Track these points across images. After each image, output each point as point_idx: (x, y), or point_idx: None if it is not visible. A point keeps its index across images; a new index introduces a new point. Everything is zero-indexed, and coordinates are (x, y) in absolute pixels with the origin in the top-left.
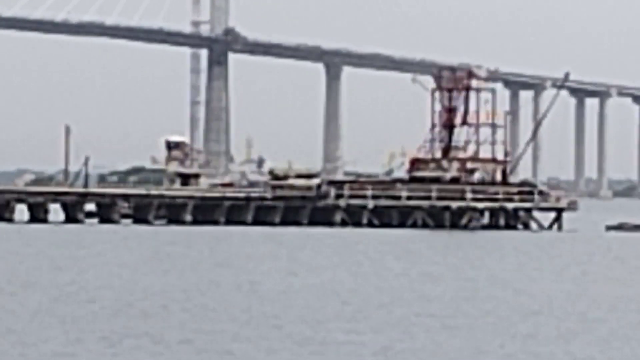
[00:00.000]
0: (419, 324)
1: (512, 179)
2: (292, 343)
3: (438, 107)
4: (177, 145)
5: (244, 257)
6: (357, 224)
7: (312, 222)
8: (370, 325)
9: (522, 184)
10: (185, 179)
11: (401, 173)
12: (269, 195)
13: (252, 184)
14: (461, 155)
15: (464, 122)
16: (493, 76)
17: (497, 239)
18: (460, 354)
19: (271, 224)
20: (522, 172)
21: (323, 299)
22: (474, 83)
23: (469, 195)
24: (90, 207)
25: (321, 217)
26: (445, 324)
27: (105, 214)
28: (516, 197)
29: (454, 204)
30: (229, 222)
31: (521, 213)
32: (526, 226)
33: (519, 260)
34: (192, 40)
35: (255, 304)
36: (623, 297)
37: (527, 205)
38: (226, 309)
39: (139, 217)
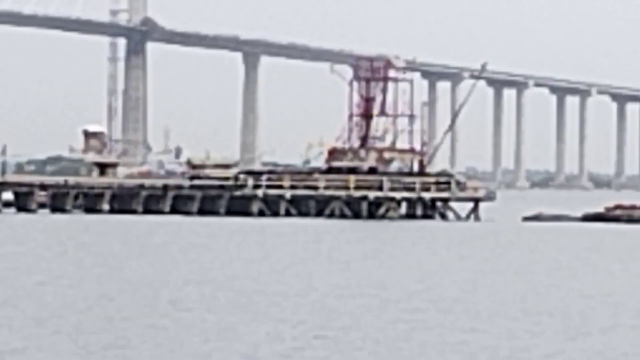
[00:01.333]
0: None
1: (430, 169)
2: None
3: (356, 97)
4: (94, 135)
5: (147, 246)
6: (275, 214)
7: (230, 212)
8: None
9: (440, 174)
10: (103, 168)
11: (319, 163)
12: (186, 184)
13: (170, 174)
14: (379, 145)
15: (382, 112)
16: (411, 66)
17: (413, 229)
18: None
19: (189, 213)
20: (440, 163)
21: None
22: (392, 73)
23: (386, 185)
24: (7, 196)
25: (239, 207)
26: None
27: (22, 203)
28: (433, 187)
29: (372, 194)
30: (146, 211)
31: (438, 203)
32: (443, 216)
33: (431, 250)
34: (110, 29)
35: (149, 293)
36: (523, 286)
37: (445, 195)
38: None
39: (57, 206)
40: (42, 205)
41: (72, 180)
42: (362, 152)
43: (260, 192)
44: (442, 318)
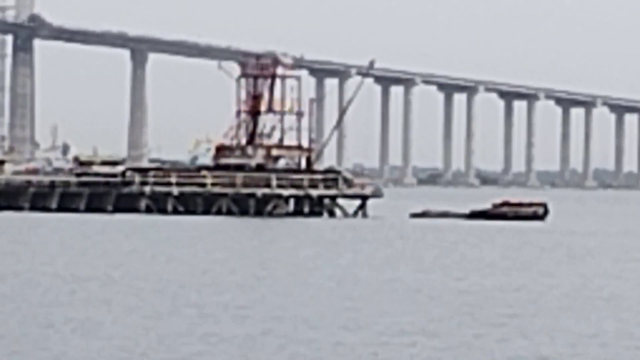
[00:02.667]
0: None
1: (317, 166)
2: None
3: (243, 94)
4: None
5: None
6: (162, 210)
7: (117, 209)
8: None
9: (327, 171)
10: None
11: (207, 160)
12: (73, 181)
13: (57, 171)
14: (266, 142)
15: (270, 110)
16: (298, 64)
17: (300, 226)
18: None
19: (76, 210)
20: (327, 160)
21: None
22: (280, 70)
23: (274, 183)
24: None
25: (126, 204)
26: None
27: None
28: (321, 184)
29: (259, 191)
30: (33, 208)
31: (326, 200)
32: (331, 213)
33: (315, 246)
34: None
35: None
36: (392, 280)
37: (332, 192)
38: None
39: None
40: None
41: None
42: (250, 149)
43: (147, 189)
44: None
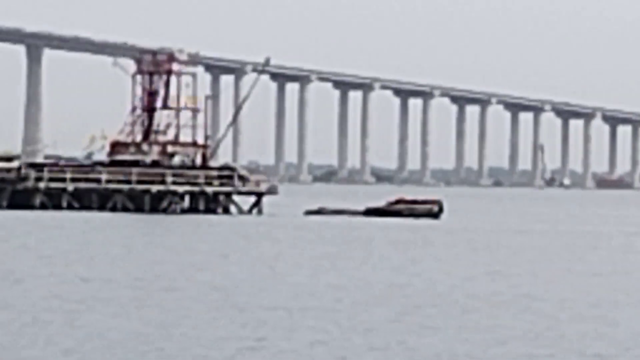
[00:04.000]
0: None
1: (213, 163)
2: None
3: (139, 90)
4: None
5: None
6: (57, 207)
7: (12, 205)
8: None
9: (223, 168)
10: None
11: (102, 156)
12: None
13: None
14: (162, 138)
15: (165, 106)
16: (194, 60)
17: (194, 223)
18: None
19: None
20: (223, 156)
21: None
22: (175, 67)
23: (169, 179)
24: None
25: (21, 200)
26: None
27: None
28: (216, 181)
29: (154, 188)
30: None
31: (221, 197)
32: (226, 210)
33: (208, 244)
34: None
35: None
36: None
37: (227, 189)
38: None
39: None
40: None
41: None
42: (145, 146)
43: (42, 185)
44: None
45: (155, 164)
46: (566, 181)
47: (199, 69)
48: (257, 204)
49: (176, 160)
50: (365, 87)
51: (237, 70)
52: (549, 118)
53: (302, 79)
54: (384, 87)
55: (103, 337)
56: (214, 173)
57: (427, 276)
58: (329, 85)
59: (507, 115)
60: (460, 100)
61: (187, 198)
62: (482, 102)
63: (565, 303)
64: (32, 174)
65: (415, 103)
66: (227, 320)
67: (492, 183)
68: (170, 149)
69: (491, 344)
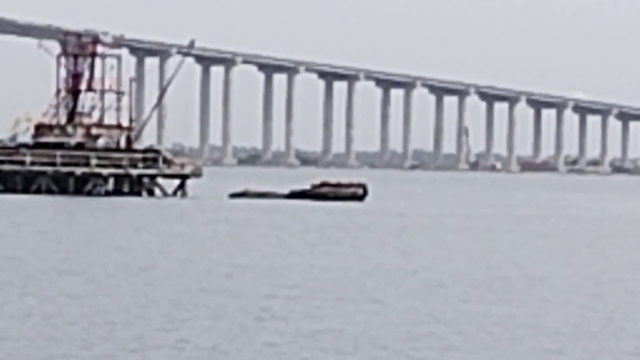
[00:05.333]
0: None
1: (137, 145)
2: None
3: (63, 72)
4: None
5: None
6: None
7: None
8: None
9: (147, 150)
10: None
11: (26, 138)
12: None
13: None
14: (86, 121)
15: (89, 88)
16: (118, 42)
17: (117, 205)
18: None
19: None
20: (147, 139)
21: None
22: (100, 49)
23: (93, 162)
24: None
25: None
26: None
27: None
28: (141, 163)
29: (78, 170)
30: None
31: (145, 180)
32: (150, 193)
33: (128, 224)
34: None
35: None
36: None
37: (152, 172)
38: None
39: None
40: None
41: None
42: (70, 128)
43: None
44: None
45: (79, 146)
46: (498, 165)
47: (124, 52)
48: (181, 186)
49: (100, 142)
50: (290, 70)
51: (161, 52)
52: (473, 101)
53: (227, 62)
54: (308, 70)
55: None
56: (139, 155)
57: (337, 259)
58: (254, 68)
59: (432, 98)
60: (385, 83)
61: (111, 180)
62: (407, 85)
63: (457, 277)
64: None
65: (340, 86)
66: (134, 301)
67: (416, 166)
68: (94, 131)
69: (387, 324)
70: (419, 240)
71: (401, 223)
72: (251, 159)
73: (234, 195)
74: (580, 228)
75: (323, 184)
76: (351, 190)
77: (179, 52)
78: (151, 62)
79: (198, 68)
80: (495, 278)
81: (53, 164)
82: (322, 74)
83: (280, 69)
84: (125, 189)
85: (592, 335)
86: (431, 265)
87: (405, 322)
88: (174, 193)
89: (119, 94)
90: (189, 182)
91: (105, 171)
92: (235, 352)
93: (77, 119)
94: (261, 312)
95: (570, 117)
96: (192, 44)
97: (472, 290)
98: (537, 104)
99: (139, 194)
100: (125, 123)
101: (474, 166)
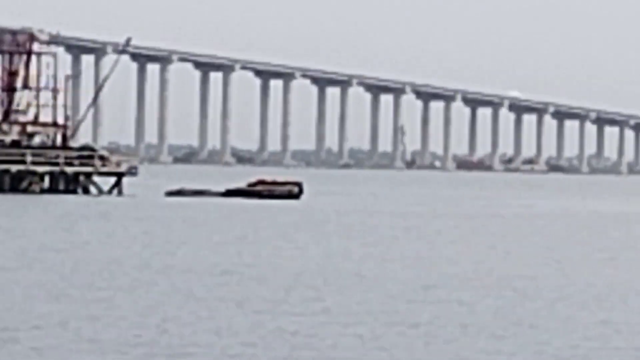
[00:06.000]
0: None
1: (73, 143)
2: None
3: None
4: None
5: None
6: None
7: None
8: None
9: (83, 148)
10: None
11: None
12: None
13: None
14: (22, 119)
15: (25, 86)
16: (54, 40)
17: (53, 203)
18: None
19: None
20: (83, 137)
21: None
22: (35, 47)
23: (29, 159)
24: None
25: None
26: None
27: None
28: (76, 161)
29: (14, 168)
30: None
31: (81, 177)
32: (86, 190)
33: (61, 222)
34: None
35: None
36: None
37: (87, 169)
38: None
39: None
40: None
41: None
42: (5, 126)
43: None
44: None
45: (15, 144)
46: (437, 163)
47: (60, 49)
48: (117, 184)
49: (36, 140)
50: (226, 68)
51: (97, 50)
52: (409, 100)
53: (163, 60)
54: (244, 68)
55: None
56: (74, 153)
57: (269, 257)
58: (190, 66)
59: (368, 96)
60: (321, 81)
61: (47, 178)
62: (343, 83)
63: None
64: None
65: (276, 84)
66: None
67: (353, 164)
68: (30, 129)
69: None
70: (354, 238)
71: (336, 221)
72: (187, 157)
73: (170, 194)
74: (501, 225)
75: (259, 182)
76: (287, 188)
77: (115, 50)
78: (87, 60)
79: (134, 66)
80: (422, 277)
81: None
82: (258, 72)
83: (216, 67)
84: (61, 186)
85: (502, 331)
86: (363, 264)
87: (327, 322)
88: (110, 191)
89: (55, 91)
90: (125, 180)
91: (40, 169)
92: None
93: (12, 117)
94: (187, 315)
95: (506, 116)
96: (128, 42)
97: (399, 287)
98: (473, 103)
99: (74, 191)
100: (61, 121)
101: (410, 165)
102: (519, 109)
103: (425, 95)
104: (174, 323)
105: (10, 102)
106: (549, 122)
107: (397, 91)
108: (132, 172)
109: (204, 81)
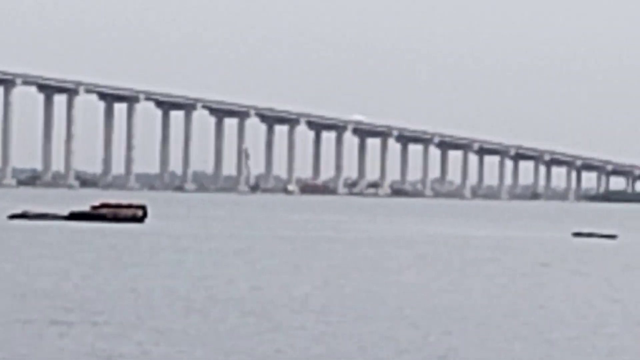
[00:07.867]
0: None
1: None
2: None
3: None
4: None
5: None
6: None
7: None
8: None
9: None
10: None
11: None
12: None
13: None
14: None
15: None
16: None
17: None
18: None
19: None
20: None
21: None
22: None
23: None
24: None
25: None
26: None
27: None
28: None
29: None
30: None
31: None
32: None
33: None
34: None
35: None
36: None
37: None
38: None
39: None
40: None
41: None
42: None
43: None
44: None
45: None
46: (290, 187)
47: None
48: None
49: None
50: (70, 91)
51: None
52: (253, 123)
53: (7, 83)
54: (89, 92)
55: None
56: None
57: (113, 280)
58: (34, 89)
59: (212, 120)
60: (165, 104)
61: None
62: (187, 106)
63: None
64: None
65: (120, 107)
66: None
67: (197, 188)
68: None
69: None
70: (196, 261)
71: (179, 245)
72: (31, 180)
73: (13, 217)
74: (336, 249)
75: (103, 205)
76: (131, 211)
77: None
78: None
79: None
80: (257, 300)
81: None
82: (103, 95)
83: (60, 90)
84: None
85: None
86: (206, 286)
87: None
88: None
89: None
90: None
91: None
92: None
93: None
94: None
95: (350, 140)
96: None
97: (228, 311)
98: (317, 126)
99: None
100: None
101: (254, 188)
102: (362, 132)
103: (270, 119)
104: None
105: None
106: (393, 146)
107: (241, 114)
108: None
109: (48, 104)
